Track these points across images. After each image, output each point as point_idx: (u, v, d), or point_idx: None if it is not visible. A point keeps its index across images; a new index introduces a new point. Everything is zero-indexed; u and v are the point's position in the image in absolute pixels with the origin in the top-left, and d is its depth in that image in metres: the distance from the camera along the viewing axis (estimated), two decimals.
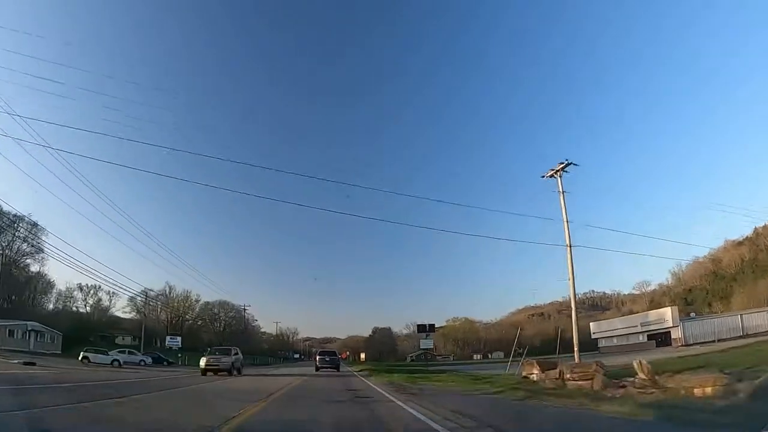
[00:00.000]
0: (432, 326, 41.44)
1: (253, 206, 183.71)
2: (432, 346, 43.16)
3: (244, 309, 65.37)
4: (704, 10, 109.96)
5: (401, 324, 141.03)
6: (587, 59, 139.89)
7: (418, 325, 40.67)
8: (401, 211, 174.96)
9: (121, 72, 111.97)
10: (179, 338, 44.27)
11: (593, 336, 72.93)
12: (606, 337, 70.25)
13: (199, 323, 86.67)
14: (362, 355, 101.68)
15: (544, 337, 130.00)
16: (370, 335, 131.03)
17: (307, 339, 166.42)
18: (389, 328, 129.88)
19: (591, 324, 75.67)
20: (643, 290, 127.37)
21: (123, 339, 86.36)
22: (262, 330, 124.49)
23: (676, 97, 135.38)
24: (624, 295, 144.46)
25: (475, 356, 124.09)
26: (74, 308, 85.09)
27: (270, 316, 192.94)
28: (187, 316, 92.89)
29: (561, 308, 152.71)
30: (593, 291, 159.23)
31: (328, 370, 33.39)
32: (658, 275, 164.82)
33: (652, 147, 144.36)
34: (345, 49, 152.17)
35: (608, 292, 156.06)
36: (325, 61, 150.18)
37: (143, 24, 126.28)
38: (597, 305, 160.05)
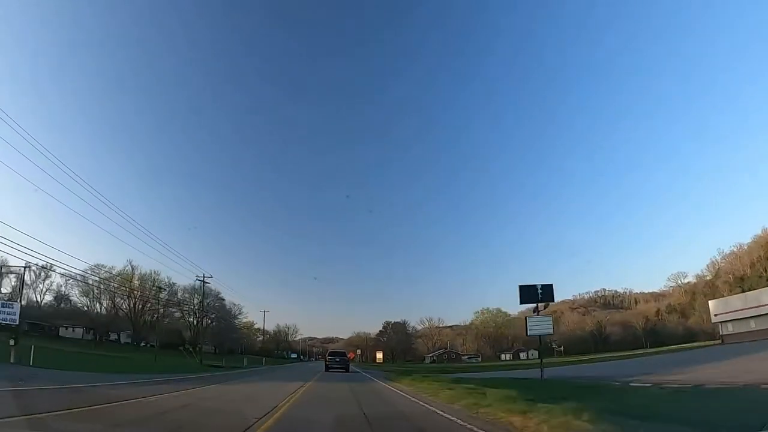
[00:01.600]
0: (549, 289, 19.28)
1: (252, 203, 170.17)
2: (551, 330, 19.73)
3: (203, 281, 42.09)
4: None
5: (413, 320, 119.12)
6: None
7: (521, 288, 18.41)
8: (403, 208, 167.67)
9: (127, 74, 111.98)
10: (16, 308, 21.16)
11: (714, 319, 51.15)
12: (737, 320, 47.45)
13: (161, 310, 64.82)
14: (378, 355, 78.41)
15: (580, 332, 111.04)
16: (380, 332, 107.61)
17: (310, 339, 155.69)
18: (404, 323, 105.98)
19: (711, 303, 53.73)
20: (679, 282, 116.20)
21: (73, 330, 71.11)
22: (256, 326, 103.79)
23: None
24: (636, 293, 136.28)
25: (503, 356, 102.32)
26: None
27: (269, 314, 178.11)
28: (159, 306, 71.50)
29: (574, 306, 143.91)
30: (605, 289, 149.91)
31: (338, 371, 31.03)
32: (686, 267, 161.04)
33: None
34: (347, 50, 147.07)
35: (620, 290, 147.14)
36: (327, 63, 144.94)
37: (144, 25, 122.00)
38: (609, 303, 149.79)
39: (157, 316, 63.35)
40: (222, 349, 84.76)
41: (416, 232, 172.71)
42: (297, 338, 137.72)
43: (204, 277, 41.50)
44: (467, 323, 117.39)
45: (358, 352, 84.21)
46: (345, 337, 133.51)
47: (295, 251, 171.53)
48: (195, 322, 68.19)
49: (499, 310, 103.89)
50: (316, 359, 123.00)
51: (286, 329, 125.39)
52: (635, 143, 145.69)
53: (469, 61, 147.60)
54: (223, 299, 75.88)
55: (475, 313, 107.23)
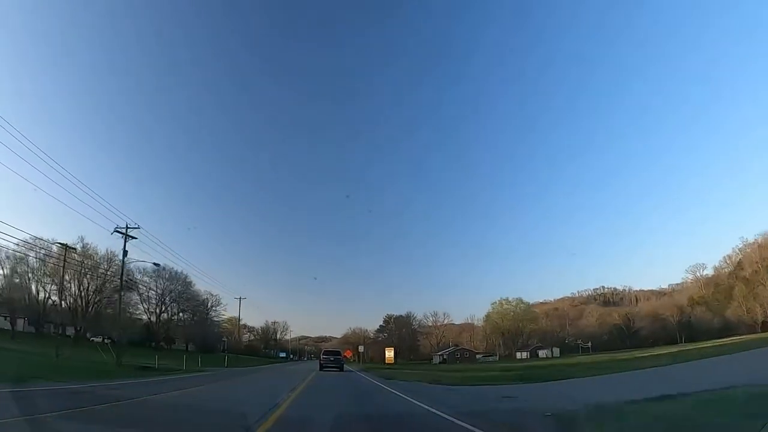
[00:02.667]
0: None
1: (251, 202, 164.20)
2: None
3: (126, 233, 24.58)
4: None
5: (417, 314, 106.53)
6: None
7: None
8: (402, 208, 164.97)
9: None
10: None
11: None
12: None
13: (106, 297, 50.88)
14: (388, 354, 63.75)
15: (603, 328, 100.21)
16: (380, 327, 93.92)
17: (303, 338, 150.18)
18: (408, 317, 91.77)
19: None
20: (697, 274, 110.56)
21: (11, 321, 56.92)
22: (242, 322, 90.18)
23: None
24: (636, 290, 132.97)
25: (519, 354, 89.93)
26: None
27: (262, 312, 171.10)
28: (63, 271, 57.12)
29: (574, 303, 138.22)
30: (603, 287, 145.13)
31: (333, 370, 31.15)
32: (685, 264, 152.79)
33: None
34: (343, 44, 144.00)
35: (619, 287, 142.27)
36: (326, 59, 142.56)
37: (144, 24, 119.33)
38: (609, 301, 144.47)
39: (81, 293, 49.26)
40: (200, 346, 71.37)
41: (414, 233, 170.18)
42: (288, 337, 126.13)
43: (127, 227, 25.27)
44: (473, 319, 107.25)
45: (360, 349, 70.04)
46: (338, 336, 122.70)
47: (294, 250, 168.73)
48: (158, 312, 54.23)
49: (520, 300, 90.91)
50: (308, 358, 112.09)
51: (275, 326, 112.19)
52: (627, 141, 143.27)
53: (464, 52, 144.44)
54: (193, 284, 61.87)
55: (492, 304, 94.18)
